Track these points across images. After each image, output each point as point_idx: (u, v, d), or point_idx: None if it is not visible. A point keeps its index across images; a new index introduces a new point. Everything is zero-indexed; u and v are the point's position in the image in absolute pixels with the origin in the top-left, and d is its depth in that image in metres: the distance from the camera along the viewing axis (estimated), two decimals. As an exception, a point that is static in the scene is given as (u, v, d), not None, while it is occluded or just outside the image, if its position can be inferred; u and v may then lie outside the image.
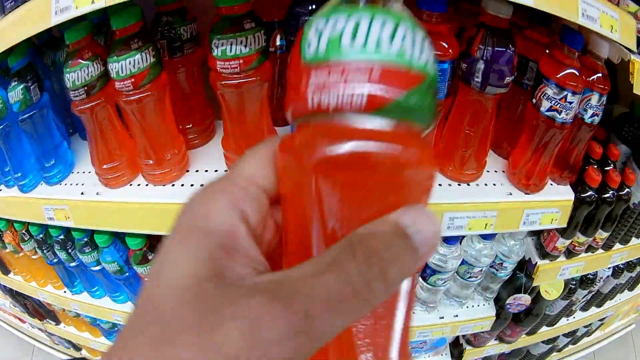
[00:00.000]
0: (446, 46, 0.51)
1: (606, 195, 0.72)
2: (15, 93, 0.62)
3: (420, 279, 0.73)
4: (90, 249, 0.77)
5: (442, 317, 0.80)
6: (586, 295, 0.95)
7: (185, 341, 0.13)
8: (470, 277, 0.74)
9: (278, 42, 0.60)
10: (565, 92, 0.57)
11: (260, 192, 0.18)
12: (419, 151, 0.17)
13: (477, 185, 0.61)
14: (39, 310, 1.08)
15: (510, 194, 0.61)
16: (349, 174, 0.16)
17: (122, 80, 0.55)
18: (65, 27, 0.53)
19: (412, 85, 0.17)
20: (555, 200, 0.64)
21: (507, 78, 0.55)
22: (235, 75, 0.53)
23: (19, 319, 1.20)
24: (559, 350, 1.12)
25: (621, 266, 0.95)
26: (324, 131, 0.17)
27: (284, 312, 0.13)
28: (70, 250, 0.80)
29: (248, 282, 0.14)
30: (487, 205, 0.58)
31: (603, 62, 0.62)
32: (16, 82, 0.62)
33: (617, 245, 0.85)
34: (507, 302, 0.79)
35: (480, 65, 0.54)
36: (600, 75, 0.62)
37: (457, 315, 0.80)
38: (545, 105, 0.59)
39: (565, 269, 0.77)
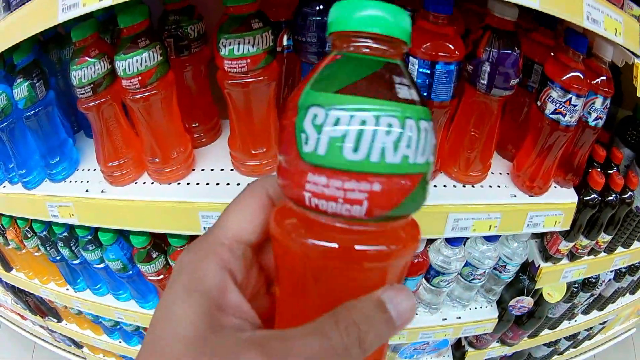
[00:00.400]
0: (452, 48, 0.51)
1: (609, 199, 0.72)
2: (21, 90, 0.62)
3: (424, 280, 0.73)
4: (94, 247, 0.77)
5: (445, 319, 0.80)
6: (588, 298, 0.95)
7: None
8: (473, 279, 0.74)
9: (285, 42, 0.61)
10: (570, 95, 0.58)
11: (245, 248, 0.20)
12: (406, 243, 0.18)
13: (482, 187, 0.61)
14: (41, 308, 1.08)
15: (515, 196, 0.61)
16: (343, 266, 0.18)
17: (129, 78, 0.55)
18: (71, 24, 0.53)
19: (411, 190, 0.17)
20: (558, 203, 0.64)
21: (513, 80, 0.55)
22: (242, 75, 0.53)
23: (20, 315, 1.20)
24: (560, 354, 1.11)
25: (623, 270, 0.95)
26: (324, 231, 0.17)
27: None
28: (73, 248, 0.80)
29: (244, 335, 0.17)
30: (491, 207, 0.58)
31: (607, 65, 0.62)
32: (21, 79, 0.62)
33: (620, 249, 0.85)
34: (510, 304, 0.79)
35: (486, 68, 0.54)
36: (604, 78, 0.62)
37: (459, 317, 0.80)
38: (549, 107, 0.59)
39: (568, 272, 0.77)
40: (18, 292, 1.06)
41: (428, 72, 0.52)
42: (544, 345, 1.01)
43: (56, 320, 1.08)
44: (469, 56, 0.55)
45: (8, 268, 1.00)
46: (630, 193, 0.76)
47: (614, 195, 0.72)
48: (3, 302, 1.19)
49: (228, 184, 0.59)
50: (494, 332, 0.86)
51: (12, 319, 1.26)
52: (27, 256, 0.90)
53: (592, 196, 0.70)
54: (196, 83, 0.65)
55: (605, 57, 0.61)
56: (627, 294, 1.07)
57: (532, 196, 0.62)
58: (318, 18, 0.55)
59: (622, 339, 1.26)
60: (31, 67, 0.63)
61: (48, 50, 0.74)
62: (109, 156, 0.64)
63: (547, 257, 0.76)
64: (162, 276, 0.74)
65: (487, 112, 0.57)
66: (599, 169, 0.71)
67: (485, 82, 0.54)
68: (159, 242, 0.72)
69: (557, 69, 0.58)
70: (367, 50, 0.18)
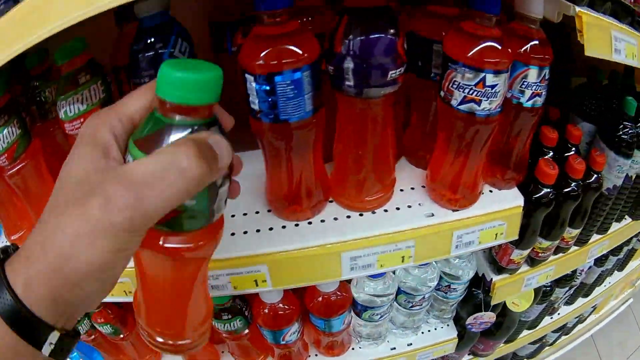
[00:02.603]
0: (295, 50, 0.30)
1: (568, 190, 0.46)
2: None
3: (354, 315, 0.50)
4: None
5: (394, 348, 0.56)
6: (567, 291, 0.67)
7: (69, 210, 0.18)
8: (413, 307, 0.50)
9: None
10: (482, 74, 0.34)
11: (130, 124, 0.22)
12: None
13: (386, 211, 0.38)
14: None
15: (432, 214, 0.38)
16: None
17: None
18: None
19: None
20: (495, 212, 0.39)
21: (392, 72, 0.32)
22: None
23: None
24: (551, 345, 0.82)
25: (605, 253, 0.66)
26: None
27: (123, 192, 0.18)
28: None
29: (113, 172, 0.19)
30: (399, 236, 0.36)
31: (539, 24, 0.37)
32: None
33: (595, 236, 0.57)
34: (468, 322, 0.54)
35: (349, 64, 0.31)
36: (536, 42, 0.37)
37: (411, 344, 0.56)
38: (457, 96, 0.35)
39: (530, 279, 0.51)
40: None
41: (268, 88, 0.30)
42: (529, 343, 0.74)
43: None
44: (326, 54, 0.32)
45: None
46: (596, 176, 0.49)
47: (573, 184, 0.46)
48: None
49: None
50: (458, 350, 0.61)
51: None
52: None
53: (544, 191, 0.44)
54: (70, 143, 0.48)
55: (532, 14, 0.36)
56: (615, 271, 0.76)
57: (456, 210, 0.38)
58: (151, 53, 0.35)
59: (620, 312, 0.93)
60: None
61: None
62: (11, 229, 0.49)
63: (499, 269, 0.50)
64: None
65: (368, 121, 0.34)
66: (550, 156, 0.45)
67: (352, 83, 0.32)
68: None
69: (461, 43, 0.34)
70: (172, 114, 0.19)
